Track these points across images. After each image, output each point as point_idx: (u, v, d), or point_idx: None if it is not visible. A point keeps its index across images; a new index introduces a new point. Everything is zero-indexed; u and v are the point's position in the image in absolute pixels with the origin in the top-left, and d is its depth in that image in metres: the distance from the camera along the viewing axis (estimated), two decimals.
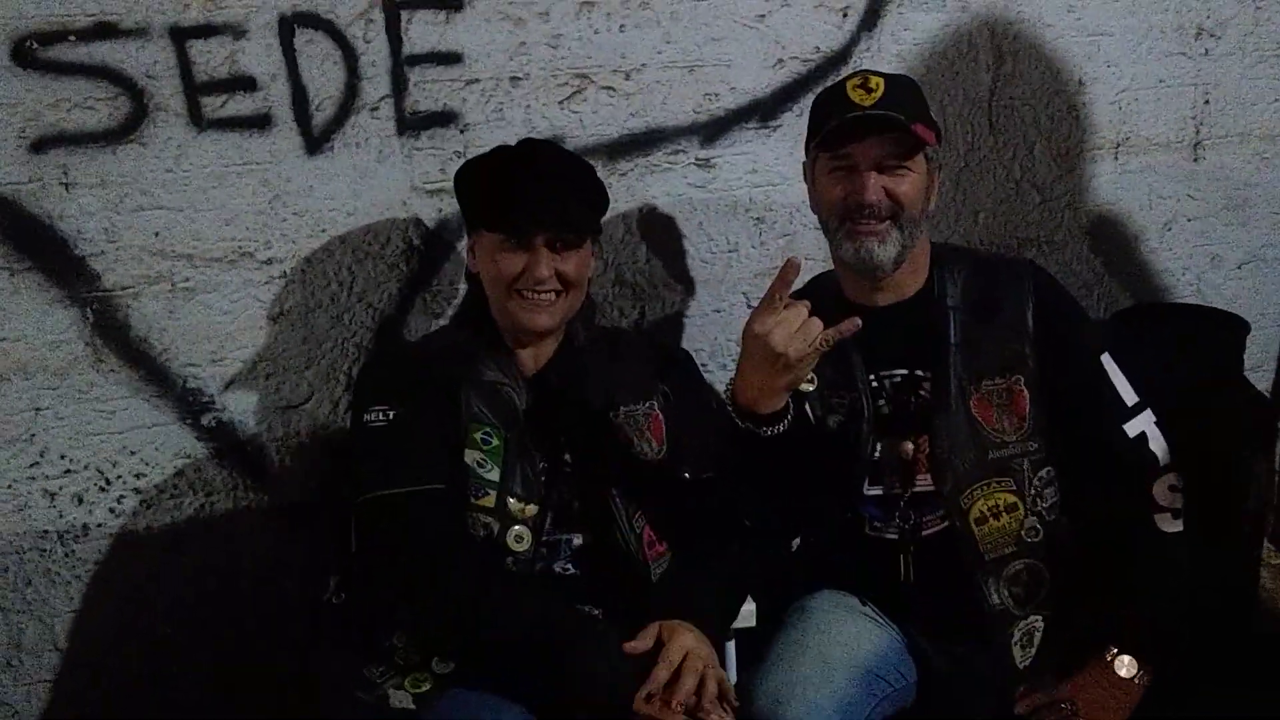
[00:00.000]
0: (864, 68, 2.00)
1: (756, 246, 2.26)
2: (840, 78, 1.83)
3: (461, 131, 2.06)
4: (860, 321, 1.66)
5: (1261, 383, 2.64)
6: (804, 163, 1.87)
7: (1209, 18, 2.43)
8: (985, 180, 2.39)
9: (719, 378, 2.21)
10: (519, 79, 2.07)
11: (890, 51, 2.25)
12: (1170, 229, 2.54)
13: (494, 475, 1.72)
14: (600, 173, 1.86)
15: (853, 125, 1.73)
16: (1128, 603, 1.74)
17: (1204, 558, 1.82)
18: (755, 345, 1.64)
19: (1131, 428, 1.78)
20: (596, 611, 1.72)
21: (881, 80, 1.76)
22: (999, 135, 2.37)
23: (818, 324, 1.63)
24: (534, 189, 1.73)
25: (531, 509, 1.73)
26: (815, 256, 2.09)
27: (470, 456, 1.71)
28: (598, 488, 1.78)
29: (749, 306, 2.22)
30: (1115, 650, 1.71)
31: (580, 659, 1.56)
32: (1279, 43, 2.49)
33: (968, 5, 2.28)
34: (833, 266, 1.88)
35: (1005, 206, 2.42)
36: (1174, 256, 2.55)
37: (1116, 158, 2.46)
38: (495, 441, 1.73)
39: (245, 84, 1.96)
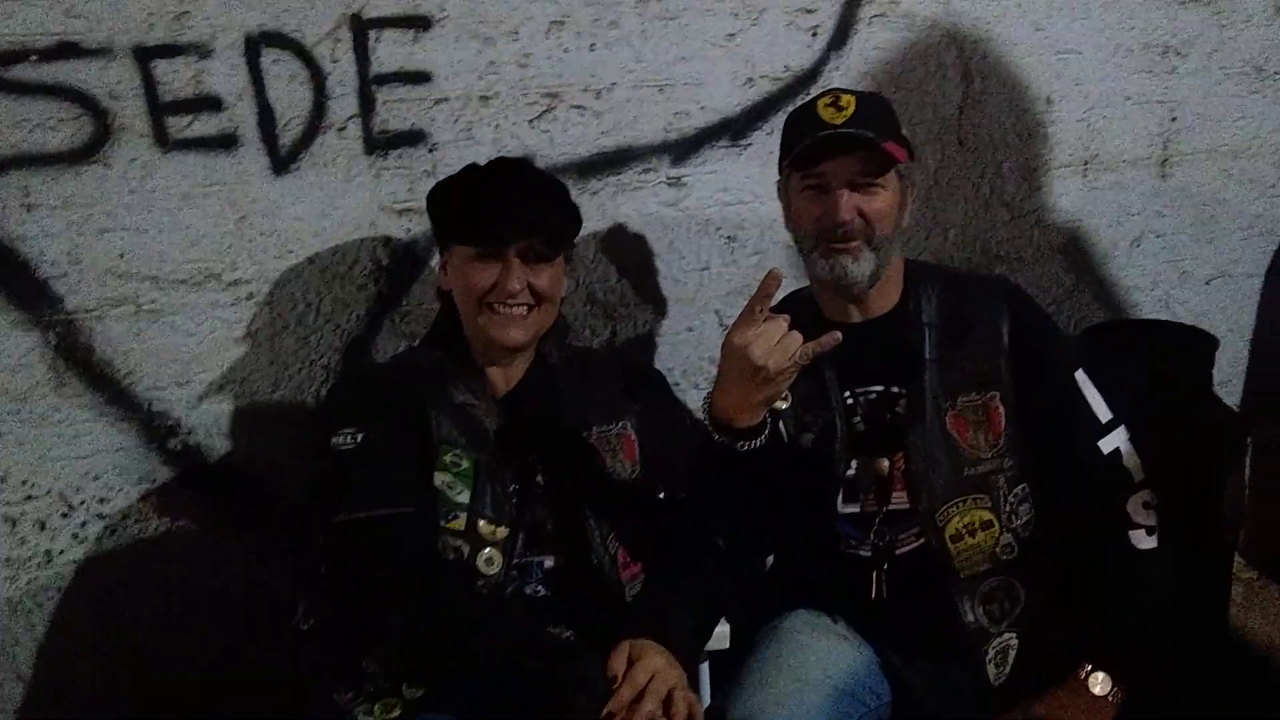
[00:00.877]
0: (834, 86, 2.00)
1: (728, 265, 2.26)
2: (811, 96, 1.83)
3: (430, 151, 2.05)
4: (840, 335, 1.66)
5: (1231, 398, 2.66)
6: (778, 181, 1.86)
7: (1175, 36, 2.45)
8: (955, 197, 2.40)
9: (692, 397, 2.21)
10: (488, 98, 2.06)
11: (860, 70, 2.25)
12: (1139, 245, 2.55)
13: (464, 498, 1.70)
14: (571, 192, 1.85)
15: (824, 144, 1.73)
16: (1102, 620, 1.73)
17: (1179, 574, 1.83)
18: (735, 357, 1.63)
19: (1105, 444, 1.78)
20: (569, 634, 1.70)
21: (852, 99, 1.76)
22: (968, 153, 2.38)
23: (798, 337, 1.63)
24: (507, 200, 1.74)
25: (502, 531, 1.71)
26: (788, 274, 2.08)
27: (440, 479, 1.69)
28: (570, 509, 1.76)
29: (722, 325, 2.22)
30: (1089, 667, 1.71)
31: (555, 683, 1.54)
32: (1244, 60, 2.51)
33: (936, 24, 2.29)
34: (807, 283, 1.87)
35: (975, 223, 2.43)
36: (1143, 272, 2.57)
37: (1085, 175, 2.48)
38: (465, 464, 1.71)
39: (211, 104, 1.94)
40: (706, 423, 1.70)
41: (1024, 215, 2.46)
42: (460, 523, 1.69)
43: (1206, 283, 2.62)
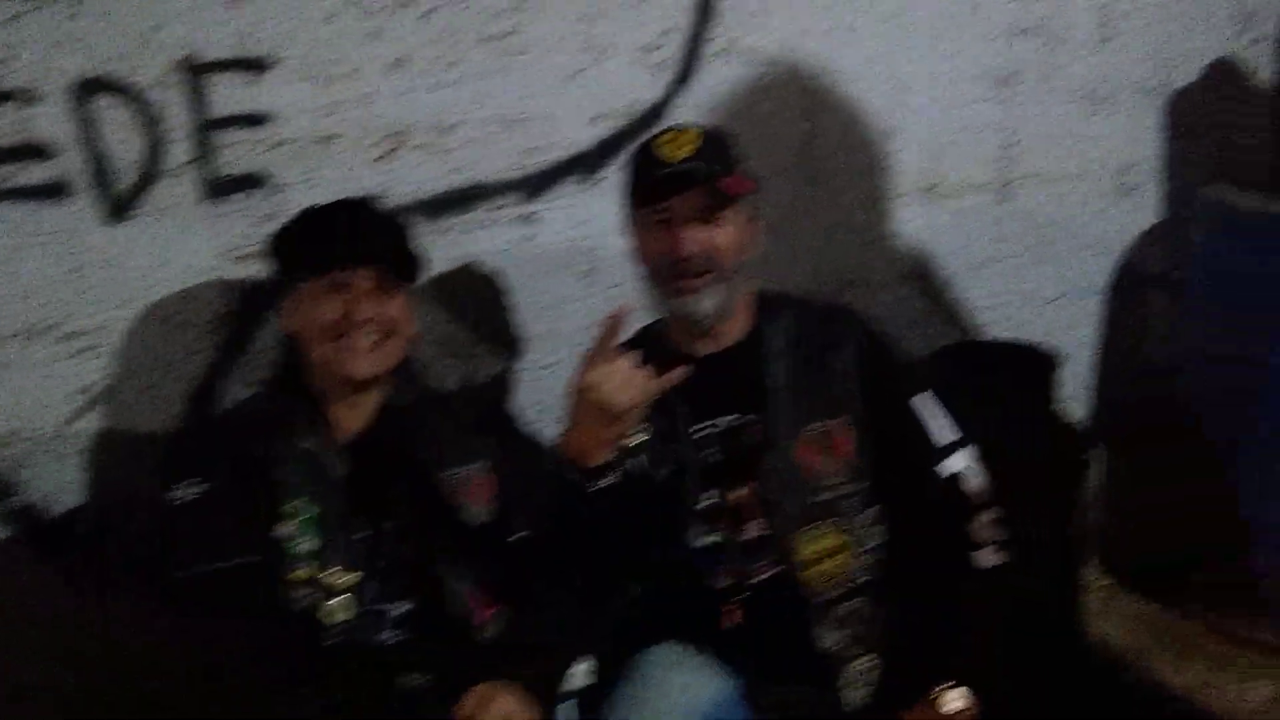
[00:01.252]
0: (680, 120, 2.03)
1: (586, 299, 2.26)
2: (653, 132, 1.85)
3: (271, 194, 2.01)
4: (689, 369, 1.67)
5: (1078, 412, 2.75)
6: (625, 217, 1.88)
7: (1009, 66, 2.55)
8: (805, 227, 2.45)
9: (550, 434, 2.19)
10: (330, 139, 2.03)
11: (706, 105, 2.28)
12: (984, 268, 2.64)
13: (310, 547, 1.67)
14: (421, 230, 1.84)
15: (665, 180, 1.75)
16: (952, 639, 1.77)
17: (1029, 588, 1.88)
18: (584, 397, 1.63)
19: (947, 467, 1.83)
20: (423, 680, 1.67)
21: (693, 134, 1.78)
22: (816, 183, 2.44)
23: (647, 374, 1.64)
24: (353, 229, 1.74)
25: (352, 579, 1.68)
26: (646, 306, 2.10)
27: (283, 529, 1.66)
28: (422, 554, 1.74)
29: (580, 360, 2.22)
30: (943, 686, 1.74)
31: None
32: (1077, 87, 2.62)
33: (777, 60, 2.34)
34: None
35: (825, 252, 2.48)
36: (989, 294, 2.65)
37: (928, 201, 2.55)
38: (310, 512, 1.68)
39: (39, 152, 1.87)
40: (558, 462, 1.70)
41: (872, 242, 2.52)
42: (307, 572, 1.65)
43: (1050, 302, 2.72)
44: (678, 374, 1.66)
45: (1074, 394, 2.73)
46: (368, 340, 1.71)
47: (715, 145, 1.81)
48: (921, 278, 2.59)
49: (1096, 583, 2.81)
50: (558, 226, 2.22)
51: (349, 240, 1.72)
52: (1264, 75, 2.69)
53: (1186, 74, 2.68)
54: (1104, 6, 2.58)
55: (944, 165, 2.55)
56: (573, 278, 2.26)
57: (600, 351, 1.64)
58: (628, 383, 1.63)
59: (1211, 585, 2.57)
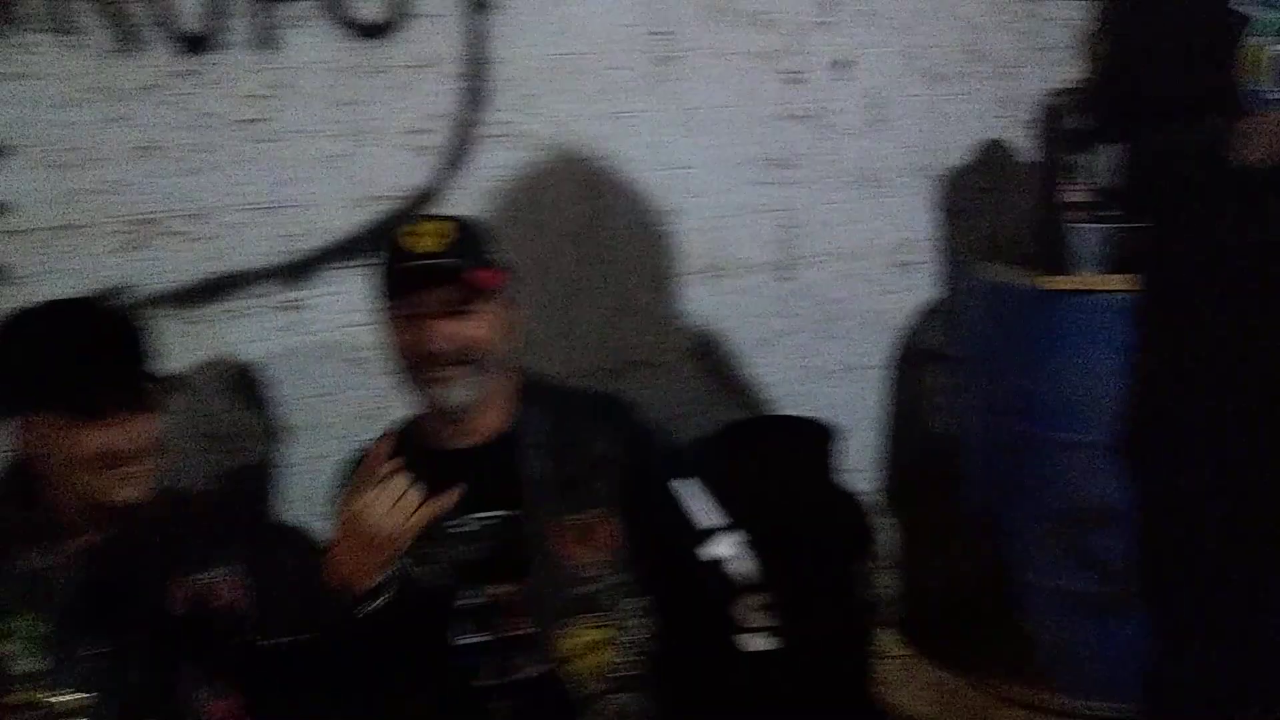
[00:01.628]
0: (454, 205, 2.02)
1: (355, 388, 2.20)
2: (402, 225, 1.82)
3: (10, 286, 1.90)
4: (460, 490, 1.63)
5: (865, 484, 2.81)
6: (376, 309, 1.84)
7: (785, 149, 2.62)
8: (588, 308, 2.45)
9: (318, 527, 2.12)
10: (72, 228, 1.94)
11: (481, 189, 2.28)
12: (768, 345, 2.68)
13: (31, 667, 1.55)
14: (174, 322, 1.76)
15: (411, 274, 1.72)
16: None
17: (810, 665, 1.89)
18: (351, 524, 1.58)
19: (708, 553, 1.82)
20: None
21: (441, 225, 1.76)
22: (597, 264, 2.44)
23: (416, 496, 1.59)
24: (93, 350, 1.62)
25: (84, 700, 1.57)
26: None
27: (4, 648, 1.54)
28: (164, 667, 1.64)
29: (351, 450, 2.15)
30: None
31: None
32: (851, 169, 2.71)
33: (555, 143, 2.35)
34: None
35: (609, 333, 2.48)
36: (773, 370, 2.69)
37: (712, 281, 2.59)
38: (34, 631, 1.57)
39: None
40: (325, 587, 1.63)
41: (658, 322, 2.54)
42: (31, 695, 1.54)
43: (833, 376, 2.77)
44: (446, 499, 1.62)
45: (862, 465, 2.78)
46: (130, 470, 1.60)
47: (466, 236, 1.78)
48: (708, 356, 2.62)
49: (896, 652, 2.86)
50: (325, 314, 2.17)
51: (96, 367, 1.59)
52: (1024, 157, 2.83)
53: (955, 156, 2.80)
54: (872, 94, 2.68)
55: (727, 245, 2.59)
56: (343, 366, 2.20)
57: (366, 475, 1.60)
58: (397, 508, 1.58)
59: (999, 652, 2.65)
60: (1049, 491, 2.38)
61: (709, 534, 1.83)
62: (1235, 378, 1.55)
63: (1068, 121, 1.75)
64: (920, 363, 2.83)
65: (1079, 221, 2.28)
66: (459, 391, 1.74)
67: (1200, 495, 1.65)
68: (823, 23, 2.61)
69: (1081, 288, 2.30)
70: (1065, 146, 1.69)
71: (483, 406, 1.79)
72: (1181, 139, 1.52)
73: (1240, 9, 1.48)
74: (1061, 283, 2.35)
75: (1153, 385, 1.71)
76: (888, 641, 2.88)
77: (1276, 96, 1.43)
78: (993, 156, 2.81)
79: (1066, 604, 2.37)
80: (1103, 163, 1.64)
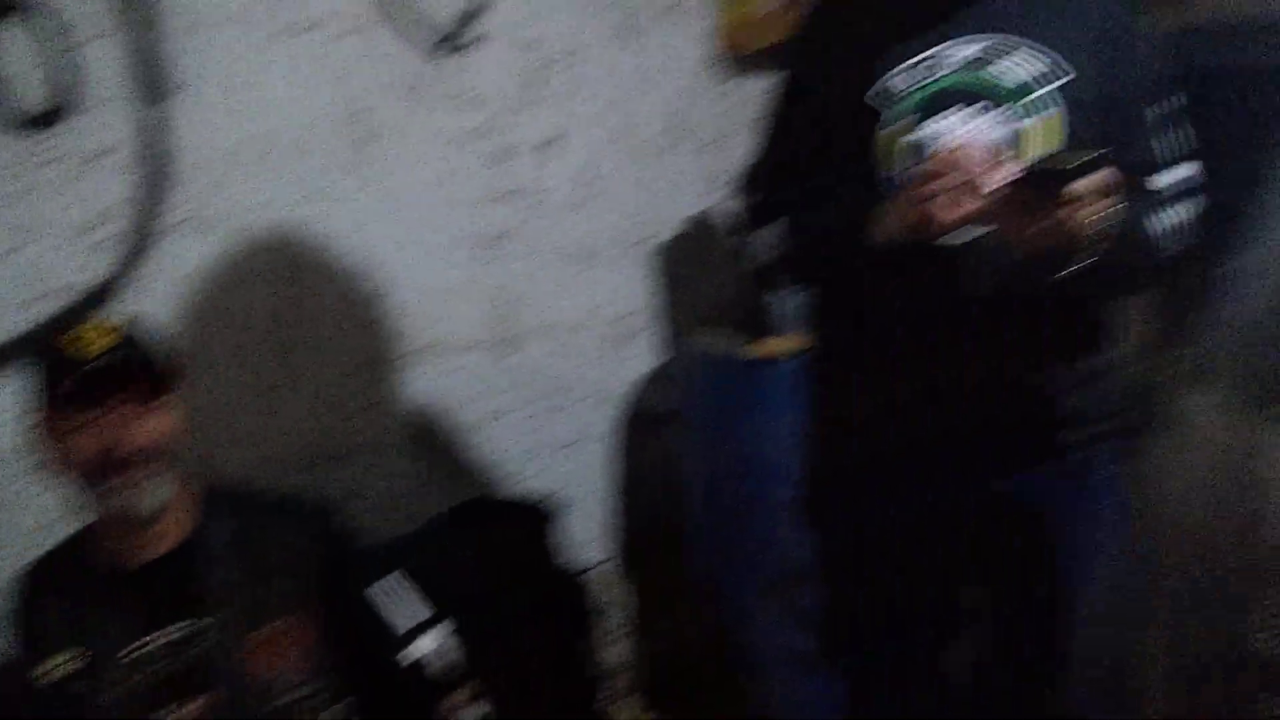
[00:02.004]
0: (128, 302, 1.95)
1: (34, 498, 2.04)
2: (64, 335, 1.71)
3: None
4: None
5: (596, 554, 2.81)
6: (33, 427, 1.72)
7: (497, 227, 2.60)
8: (294, 398, 2.36)
9: None
10: None
11: (167, 280, 2.17)
12: (492, 422, 2.65)
13: None
14: None
15: (89, 380, 1.63)
16: None
17: None
18: None
19: (408, 655, 1.78)
20: None
21: (101, 326, 1.69)
22: (302, 350, 2.36)
23: None
24: None
25: None
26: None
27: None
28: None
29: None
30: None
31: None
32: (563, 244, 2.71)
33: (248, 229, 2.26)
34: None
35: (318, 422, 2.40)
36: (499, 448, 2.66)
37: (430, 361, 2.55)
38: None
39: None
40: None
41: (371, 406, 2.47)
42: None
43: (561, 450, 2.77)
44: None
45: (588, 539, 2.78)
46: None
47: (131, 333, 1.71)
48: (429, 438, 2.57)
49: (642, 717, 2.87)
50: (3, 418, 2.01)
51: None
52: (727, 230, 2.92)
53: (666, 229, 2.86)
54: (582, 170, 2.71)
55: (443, 324, 2.55)
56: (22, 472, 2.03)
57: None
58: None
59: (729, 712, 2.69)
60: (767, 552, 2.44)
61: (410, 636, 1.79)
62: (892, 431, 1.65)
63: (746, 196, 1.82)
64: (646, 430, 2.86)
65: (770, 289, 2.38)
66: (151, 494, 1.67)
67: (876, 544, 1.73)
68: (529, 101, 2.63)
69: (774, 352, 2.39)
70: (748, 219, 1.76)
71: (167, 508, 1.70)
72: (829, 218, 1.61)
73: (871, 103, 1.59)
74: (758, 348, 2.44)
75: (824, 443, 1.79)
76: (633, 707, 2.89)
77: (904, 180, 1.54)
78: (700, 229, 2.89)
79: (790, 662, 2.42)
80: (775, 235, 1.71)
